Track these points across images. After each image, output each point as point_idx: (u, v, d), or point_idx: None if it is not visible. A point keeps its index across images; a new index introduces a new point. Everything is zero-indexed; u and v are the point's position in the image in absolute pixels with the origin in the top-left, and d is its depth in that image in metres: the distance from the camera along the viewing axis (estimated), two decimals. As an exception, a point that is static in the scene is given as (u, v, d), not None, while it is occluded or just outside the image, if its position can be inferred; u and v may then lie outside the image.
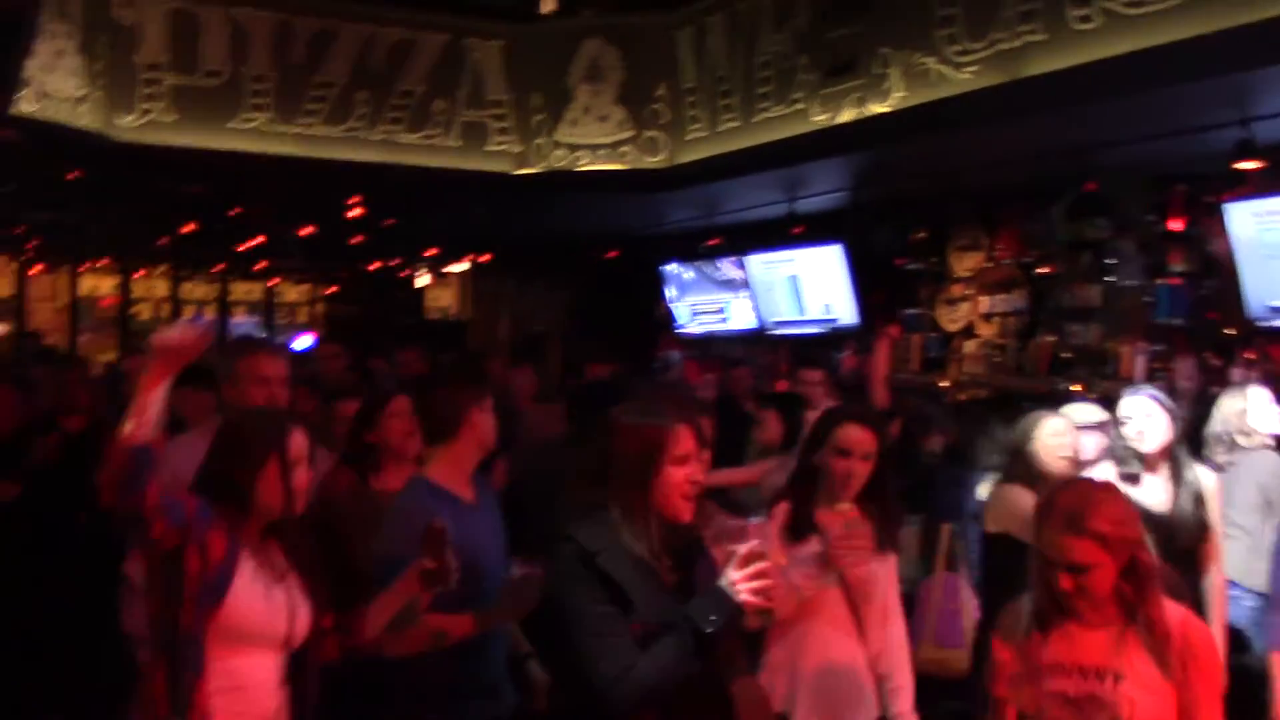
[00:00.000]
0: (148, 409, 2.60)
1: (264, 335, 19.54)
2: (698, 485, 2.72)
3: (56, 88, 7.88)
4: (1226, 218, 6.68)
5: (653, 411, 2.74)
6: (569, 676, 2.66)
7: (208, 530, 2.69)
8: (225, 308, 18.18)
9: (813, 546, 3.43)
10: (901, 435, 6.77)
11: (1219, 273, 7.10)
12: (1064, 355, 8.19)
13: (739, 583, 2.56)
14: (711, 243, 10.91)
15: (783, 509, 3.61)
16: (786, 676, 3.44)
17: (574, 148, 9.61)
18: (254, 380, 3.78)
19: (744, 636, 2.95)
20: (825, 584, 3.45)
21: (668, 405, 2.80)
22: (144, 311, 20.03)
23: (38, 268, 15.48)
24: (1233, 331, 7.06)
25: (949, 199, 9.05)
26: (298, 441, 2.87)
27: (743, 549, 2.59)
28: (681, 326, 12.03)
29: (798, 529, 3.49)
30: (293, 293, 19.41)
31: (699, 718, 2.70)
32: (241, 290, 18.67)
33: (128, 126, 8.67)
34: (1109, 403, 7.59)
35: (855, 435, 3.56)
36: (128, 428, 2.58)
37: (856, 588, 3.48)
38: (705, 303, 11.61)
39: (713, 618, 2.53)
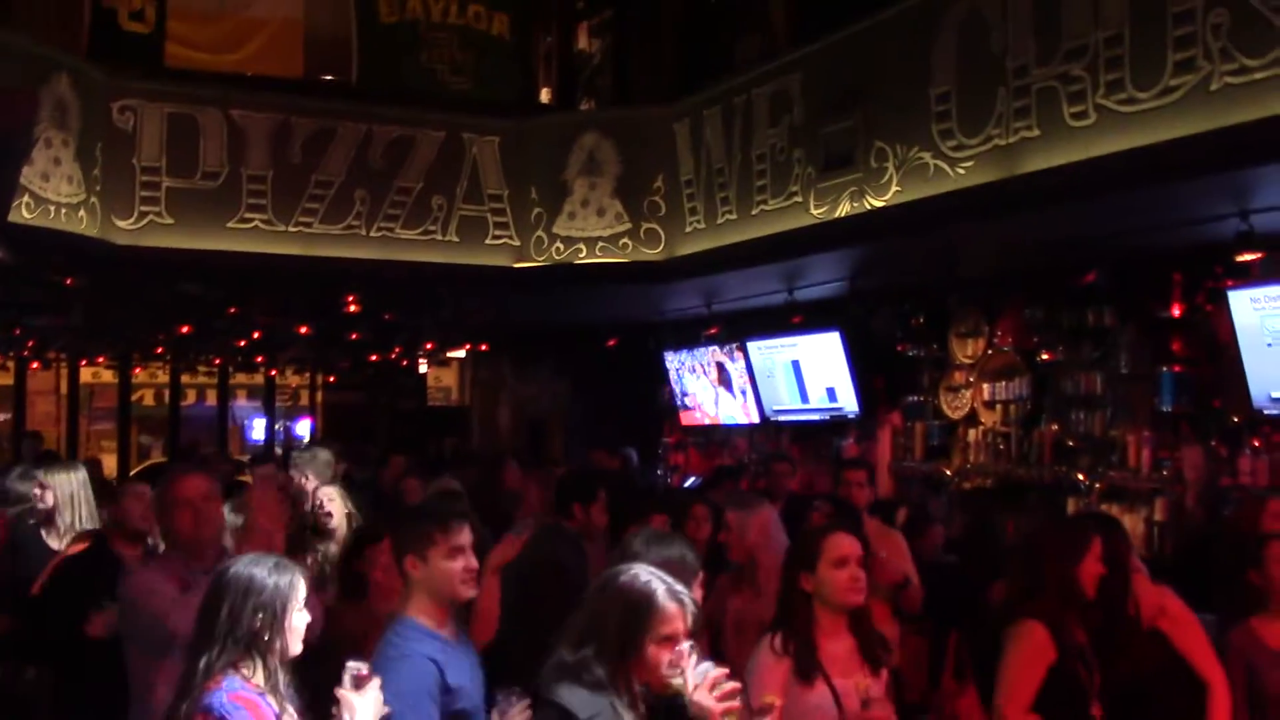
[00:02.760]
0: None
1: (264, 419, 19.50)
2: (678, 668, 2.66)
3: (54, 194, 7.91)
4: (1228, 305, 6.65)
5: (643, 580, 2.68)
6: None
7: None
8: (226, 394, 18.16)
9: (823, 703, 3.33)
10: (908, 525, 6.69)
11: (1222, 360, 7.05)
12: (1069, 443, 8.12)
13: (708, 706, 2.57)
14: (711, 331, 10.89)
15: (778, 643, 3.49)
16: None
17: (572, 240, 9.63)
18: (180, 504, 3.71)
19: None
20: None
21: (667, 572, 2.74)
22: (146, 397, 20.06)
23: (35, 365, 15.44)
24: (1238, 419, 7.00)
25: (949, 286, 9.04)
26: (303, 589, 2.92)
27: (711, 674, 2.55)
28: (687, 409, 11.99)
29: (805, 668, 3.38)
30: (294, 378, 19.40)
31: None
32: (242, 376, 18.67)
33: (126, 230, 8.70)
34: (1116, 493, 7.60)
35: (847, 543, 3.50)
36: None
37: None
38: (705, 391, 11.58)
39: None
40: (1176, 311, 7.42)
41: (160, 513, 3.75)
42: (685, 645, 2.66)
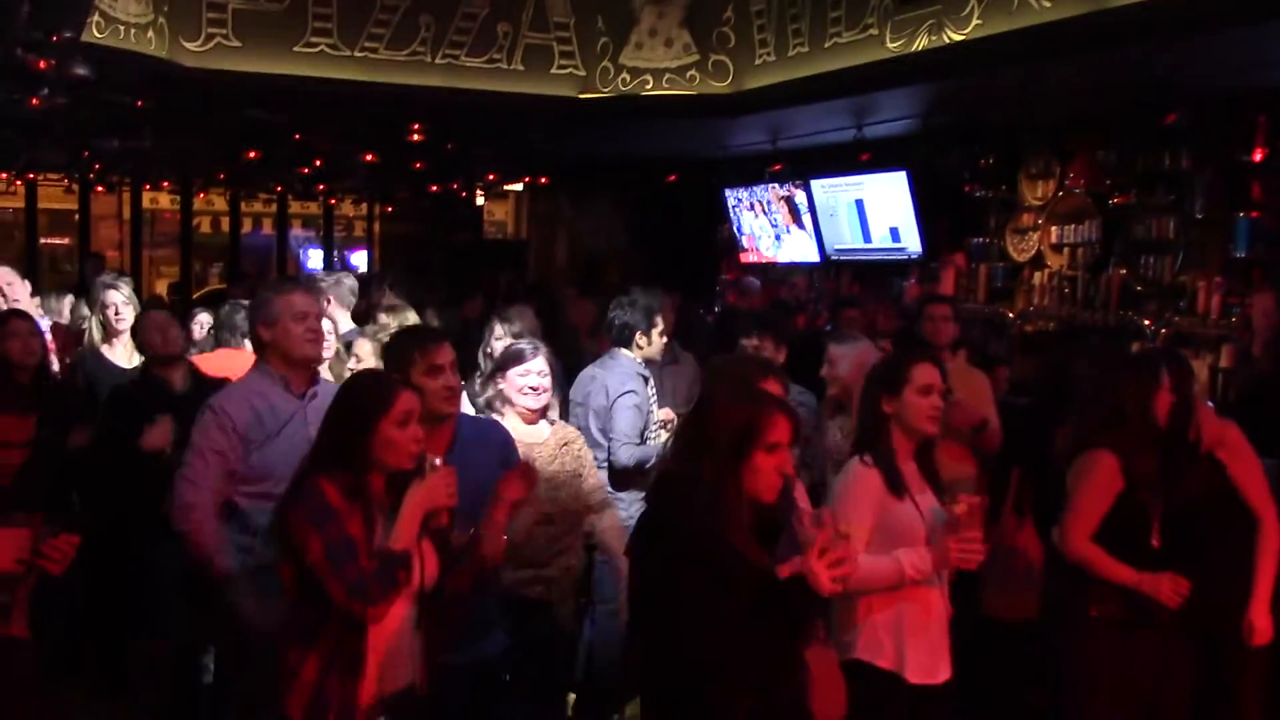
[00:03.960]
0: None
1: (319, 250, 19.67)
2: (786, 475, 2.75)
3: (123, 13, 7.87)
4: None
5: (752, 395, 2.75)
6: (659, 649, 2.71)
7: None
8: (284, 223, 18.32)
9: (914, 522, 3.42)
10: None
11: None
12: (1136, 289, 8.06)
13: (819, 572, 2.62)
14: (775, 168, 10.78)
15: (869, 459, 3.58)
16: (893, 636, 3.45)
17: (639, 71, 9.49)
18: (292, 316, 3.78)
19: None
20: (934, 578, 3.45)
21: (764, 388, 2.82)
22: (204, 225, 20.26)
23: (100, 189, 15.61)
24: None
25: (1021, 127, 8.87)
26: (405, 399, 2.98)
27: (819, 535, 2.63)
28: (745, 250, 11.98)
29: (895, 484, 3.47)
30: (351, 209, 19.50)
31: (780, 688, 2.76)
32: (299, 205, 18.78)
33: (193, 51, 8.67)
34: (1182, 340, 7.57)
35: (932, 372, 3.56)
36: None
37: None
38: (765, 229, 11.54)
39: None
40: (1258, 156, 7.26)
41: (267, 326, 3.80)
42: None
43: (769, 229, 11.50)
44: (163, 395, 4.97)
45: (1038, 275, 8.93)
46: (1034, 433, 5.64)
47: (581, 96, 9.62)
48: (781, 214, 11.23)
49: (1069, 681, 4.07)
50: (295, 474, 3.00)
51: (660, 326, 5.42)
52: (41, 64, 6.78)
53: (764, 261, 11.81)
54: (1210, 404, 4.48)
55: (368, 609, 2.80)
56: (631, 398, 5.16)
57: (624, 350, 5.39)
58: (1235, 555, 4.16)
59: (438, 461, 2.96)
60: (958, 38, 7.27)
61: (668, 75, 9.41)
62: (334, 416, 3.02)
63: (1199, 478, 4.12)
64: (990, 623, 4.76)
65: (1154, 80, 7.11)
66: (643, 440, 5.19)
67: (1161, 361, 4.13)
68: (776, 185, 11.10)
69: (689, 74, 9.36)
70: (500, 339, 5.14)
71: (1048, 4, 6.67)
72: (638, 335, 5.40)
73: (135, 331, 5.42)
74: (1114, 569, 3.86)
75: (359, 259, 20.04)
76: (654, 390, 5.37)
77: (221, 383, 4.48)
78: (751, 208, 11.61)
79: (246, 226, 19.52)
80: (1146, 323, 7.83)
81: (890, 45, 7.82)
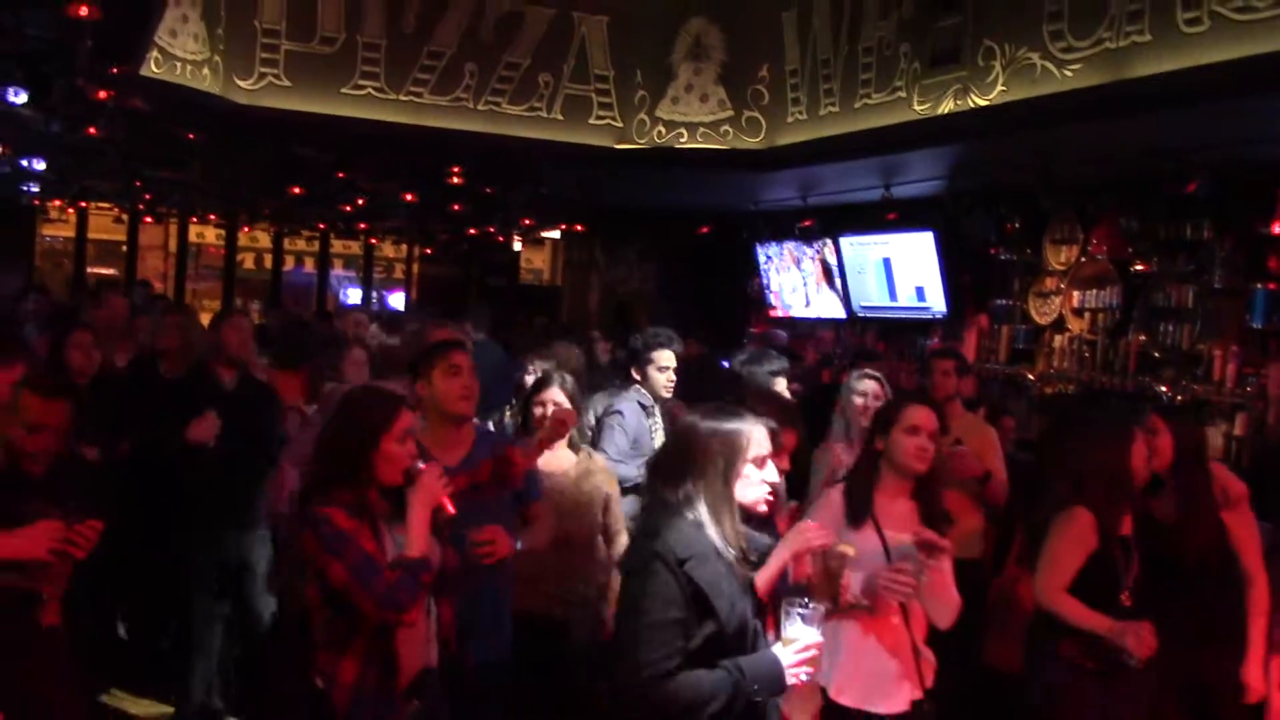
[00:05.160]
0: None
1: (359, 290, 20.01)
2: (771, 485, 2.91)
3: (180, 50, 8.21)
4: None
5: (730, 414, 2.92)
6: (614, 658, 2.85)
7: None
8: (325, 261, 18.66)
9: (870, 553, 3.56)
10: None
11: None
12: (1154, 354, 8.17)
13: (791, 666, 2.76)
14: (805, 224, 10.98)
15: (839, 489, 3.77)
16: (826, 654, 3.58)
17: (674, 125, 9.76)
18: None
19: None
20: (878, 606, 3.58)
21: (744, 409, 2.98)
22: (247, 260, 20.65)
23: (148, 219, 16.00)
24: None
25: (1045, 191, 9.02)
26: (406, 417, 3.15)
27: (800, 639, 2.78)
28: (772, 306, 12.15)
29: (857, 513, 3.65)
30: (390, 249, 19.83)
31: None
32: (340, 245, 19.13)
33: (246, 90, 9.01)
34: (1199, 406, 7.65)
35: (923, 415, 3.71)
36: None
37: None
38: (794, 285, 11.72)
39: (757, 687, 2.72)
40: (1276, 228, 7.38)
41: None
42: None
43: (799, 285, 11.69)
44: (214, 392, 5.26)
45: (1058, 338, 9.04)
46: (1038, 486, 5.77)
47: (618, 146, 9.89)
48: (812, 271, 11.42)
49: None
50: (298, 494, 3.18)
51: (660, 364, 5.57)
52: (101, 94, 7.09)
53: (791, 316, 11.99)
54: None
55: (401, 615, 2.96)
56: (617, 418, 5.34)
57: (637, 384, 5.58)
58: (1226, 611, 4.28)
59: (420, 465, 3.11)
60: (982, 102, 7.48)
61: (702, 129, 9.67)
62: (336, 433, 3.15)
63: (1208, 534, 4.24)
64: (991, 672, 4.86)
65: (1173, 149, 7.24)
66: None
67: (1132, 421, 4.27)
68: (806, 243, 11.29)
69: (722, 129, 9.62)
70: (532, 374, 5.34)
71: (1069, 73, 6.87)
72: (633, 369, 5.59)
73: (213, 327, 5.69)
74: (1085, 616, 3.93)
75: (396, 300, 20.35)
76: (657, 423, 5.53)
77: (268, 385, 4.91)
78: (782, 263, 11.80)
79: (289, 264, 19.88)
80: (1163, 388, 7.91)
81: (917, 108, 8.04)
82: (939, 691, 3.73)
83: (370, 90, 9.36)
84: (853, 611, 3.58)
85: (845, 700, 3.58)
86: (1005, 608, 5.12)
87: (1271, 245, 7.50)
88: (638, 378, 5.57)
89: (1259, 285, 7.54)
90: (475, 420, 4.09)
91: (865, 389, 5.38)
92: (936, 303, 9.89)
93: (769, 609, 3.00)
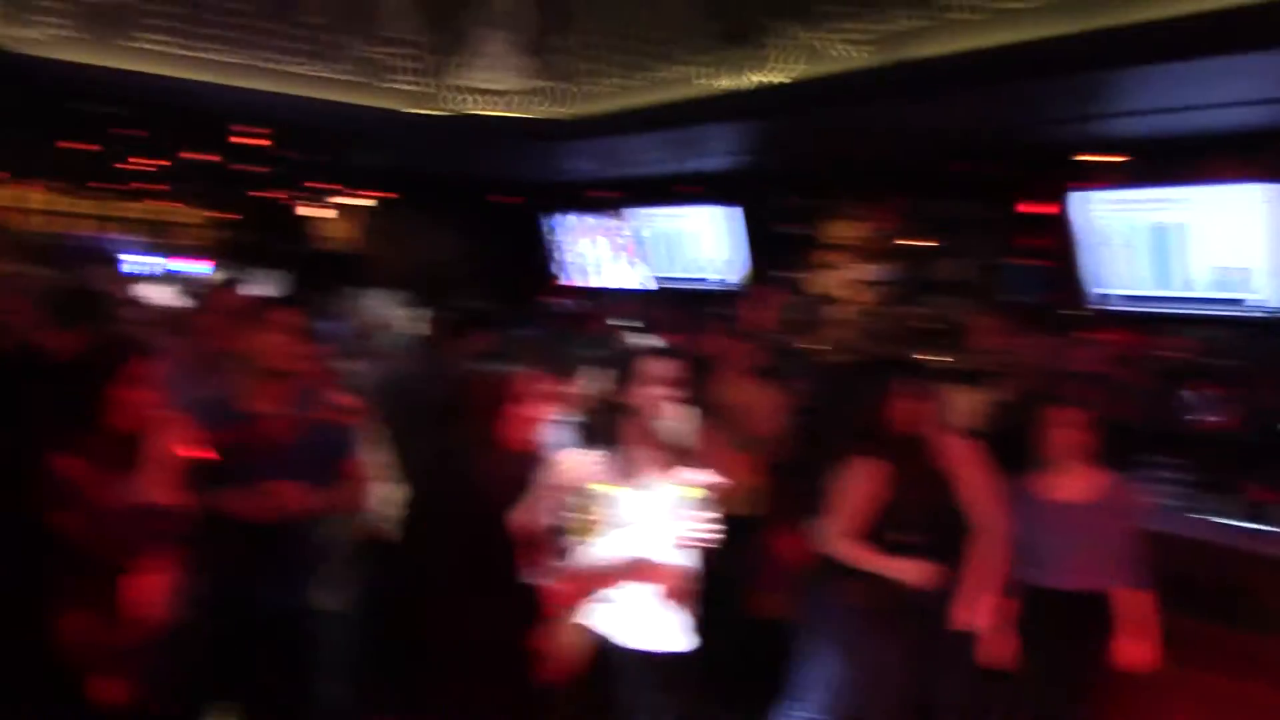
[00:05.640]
0: None
1: (149, 255, 19.23)
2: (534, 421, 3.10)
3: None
4: (1070, 206, 7.22)
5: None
6: None
7: None
8: (108, 225, 17.86)
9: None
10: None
11: (1066, 256, 7.64)
12: (927, 326, 8.70)
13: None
14: (606, 195, 11.18)
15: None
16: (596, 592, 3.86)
17: (475, 92, 9.78)
18: None
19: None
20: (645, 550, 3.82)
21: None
22: (26, 221, 19.57)
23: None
24: (1073, 312, 7.62)
25: (836, 170, 9.45)
26: (139, 366, 3.25)
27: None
28: (569, 278, 12.32)
29: (615, 463, 3.86)
30: (184, 216, 19.10)
31: None
32: (126, 209, 18.33)
33: (26, 40, 8.61)
34: (964, 374, 8.17)
35: (660, 366, 3.96)
36: None
37: None
38: (594, 255, 11.91)
39: None
40: (1034, 207, 7.96)
41: None
42: None
43: (600, 255, 11.89)
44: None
45: (842, 310, 9.51)
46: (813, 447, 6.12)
47: (421, 113, 9.85)
48: (612, 242, 11.63)
49: (835, 671, 4.46)
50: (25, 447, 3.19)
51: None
52: None
53: (592, 287, 12.18)
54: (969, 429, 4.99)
55: (131, 558, 3.00)
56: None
57: None
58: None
59: (164, 412, 3.22)
60: (774, 80, 7.78)
61: (506, 98, 9.72)
62: (71, 383, 3.23)
63: (932, 486, 4.62)
64: (755, 621, 5.15)
65: (947, 131, 7.72)
66: None
67: (890, 373, 4.65)
68: (608, 214, 11.50)
69: (527, 98, 9.69)
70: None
71: (856, 53, 7.22)
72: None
73: None
74: (869, 558, 4.30)
75: (191, 265, 19.65)
76: None
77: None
78: (583, 234, 11.98)
79: (74, 227, 18.96)
80: (933, 358, 8.41)
81: (713, 83, 8.30)
82: (709, 638, 3.99)
83: (160, 44, 9.06)
84: (620, 553, 3.79)
85: (612, 637, 3.80)
86: (769, 560, 5.45)
87: (1030, 223, 8.08)
88: None
89: (1018, 260, 8.12)
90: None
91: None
92: (732, 275, 10.24)
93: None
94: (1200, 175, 6.96)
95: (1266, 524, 5.63)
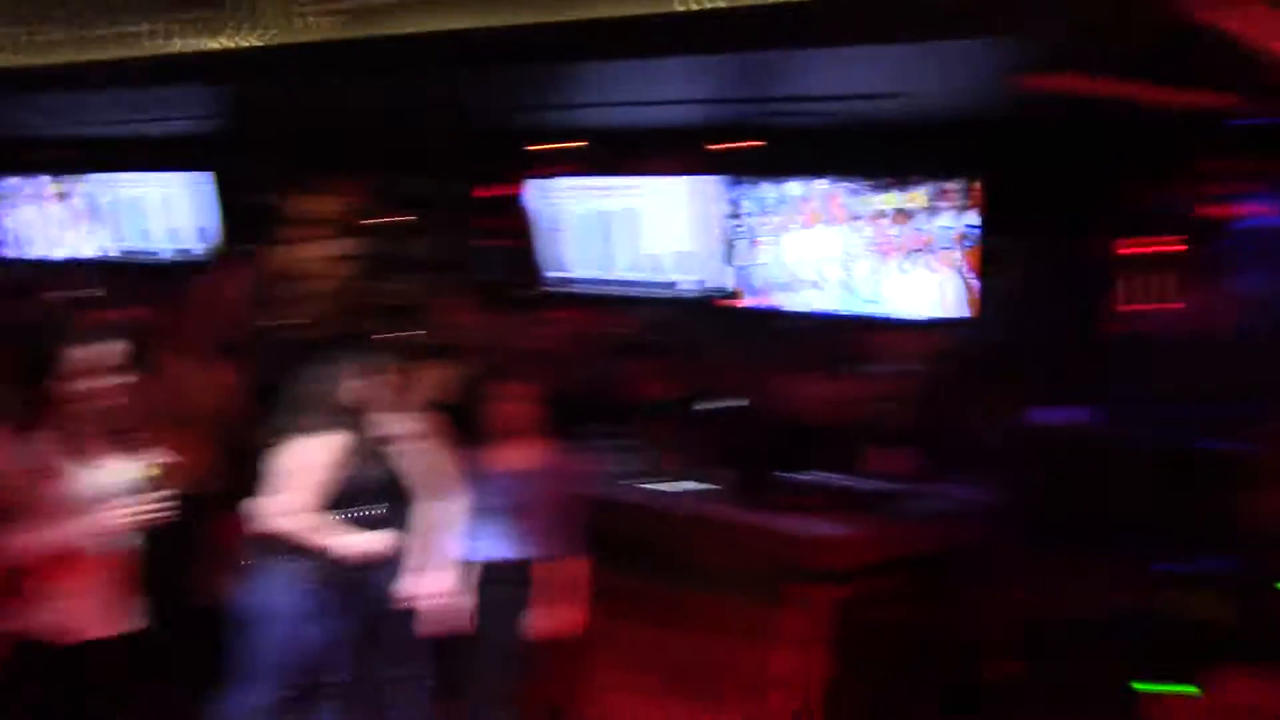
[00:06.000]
0: None
1: None
2: None
3: None
4: (528, 190, 7.65)
5: None
6: None
7: None
8: None
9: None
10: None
11: (522, 238, 8.06)
12: (392, 303, 8.80)
13: None
14: (47, 155, 10.33)
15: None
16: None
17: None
18: None
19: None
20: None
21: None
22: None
23: None
24: (530, 292, 8.05)
25: (309, 142, 9.30)
26: None
27: None
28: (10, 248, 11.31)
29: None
30: None
31: None
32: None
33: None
34: (427, 350, 8.37)
35: (92, 353, 3.77)
36: None
37: None
38: (45, 223, 11.01)
39: None
40: (496, 190, 8.32)
41: None
42: None
43: (47, 222, 10.98)
44: None
45: (306, 285, 9.39)
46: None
47: None
48: (62, 209, 10.81)
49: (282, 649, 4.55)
50: None
51: None
52: None
53: (39, 258, 11.22)
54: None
55: None
56: None
57: None
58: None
59: None
60: (247, 44, 7.49)
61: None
62: None
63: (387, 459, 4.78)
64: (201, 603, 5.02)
65: (416, 109, 7.80)
66: None
67: (345, 349, 4.93)
68: (57, 177, 10.65)
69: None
70: None
71: (324, 23, 7.10)
72: None
73: None
74: (317, 533, 4.46)
75: None
76: None
77: None
78: (27, 197, 11.01)
79: None
80: (395, 334, 8.52)
81: (166, 44, 7.85)
82: (158, 623, 3.95)
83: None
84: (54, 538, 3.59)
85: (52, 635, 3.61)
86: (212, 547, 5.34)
87: (494, 206, 8.44)
88: None
89: (483, 241, 8.46)
90: None
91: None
92: (199, 245, 9.85)
93: None
94: (642, 167, 7.58)
95: (692, 486, 6.23)
